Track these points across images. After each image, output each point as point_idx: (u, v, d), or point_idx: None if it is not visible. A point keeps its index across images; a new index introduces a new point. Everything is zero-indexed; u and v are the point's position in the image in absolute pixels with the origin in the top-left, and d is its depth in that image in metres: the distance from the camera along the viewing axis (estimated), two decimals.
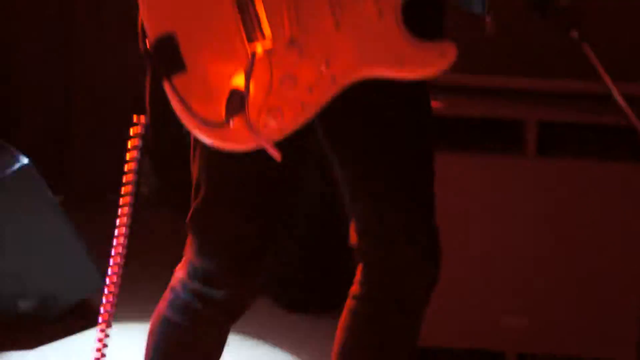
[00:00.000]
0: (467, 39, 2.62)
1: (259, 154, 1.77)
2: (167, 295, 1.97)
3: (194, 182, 1.97)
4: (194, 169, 1.96)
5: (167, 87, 1.73)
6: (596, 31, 2.35)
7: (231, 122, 1.74)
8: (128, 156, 1.91)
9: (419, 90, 1.97)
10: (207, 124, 1.77)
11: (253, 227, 1.97)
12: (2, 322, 2.97)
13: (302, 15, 1.79)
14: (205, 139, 1.79)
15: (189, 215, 1.97)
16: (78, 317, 2.99)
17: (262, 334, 2.90)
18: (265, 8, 1.76)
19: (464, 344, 2.69)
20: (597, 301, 2.66)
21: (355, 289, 1.98)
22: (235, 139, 1.78)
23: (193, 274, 1.96)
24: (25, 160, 3.09)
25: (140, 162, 4.15)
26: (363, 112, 1.94)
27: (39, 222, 3.07)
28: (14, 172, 3.06)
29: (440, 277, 1.95)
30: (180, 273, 1.97)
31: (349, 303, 2.00)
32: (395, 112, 1.97)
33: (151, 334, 1.97)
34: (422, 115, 2.01)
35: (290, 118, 1.81)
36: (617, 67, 2.14)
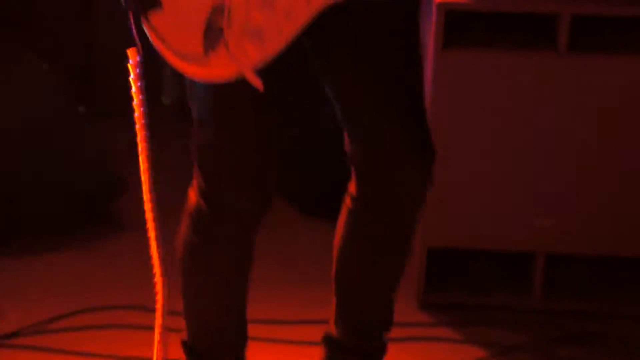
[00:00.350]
0: None
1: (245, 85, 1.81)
2: (184, 218, 2.03)
3: (194, 119, 2.00)
4: (193, 107, 2.01)
5: (144, 24, 1.75)
6: None
7: (211, 53, 1.77)
8: (133, 87, 1.91)
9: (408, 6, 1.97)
10: (186, 58, 1.80)
11: (255, 153, 2.01)
12: None
13: None
14: (187, 73, 1.83)
15: (195, 150, 2.01)
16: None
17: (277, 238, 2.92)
18: None
19: (494, 245, 2.69)
20: (629, 200, 2.65)
21: (351, 187, 2.01)
22: (215, 70, 1.82)
23: (204, 197, 2.00)
24: None
25: (161, 72, 4.01)
26: (353, 26, 1.94)
27: None
28: None
29: (434, 177, 1.98)
30: (192, 195, 2.01)
31: (346, 200, 2.03)
32: (385, 23, 1.96)
33: (180, 260, 2.03)
34: (410, 26, 2.00)
35: (270, 44, 1.83)
36: None
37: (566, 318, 2.62)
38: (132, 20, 1.82)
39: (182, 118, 3.91)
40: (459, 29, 2.60)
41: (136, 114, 1.89)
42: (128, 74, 1.86)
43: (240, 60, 1.84)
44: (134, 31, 1.82)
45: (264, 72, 1.86)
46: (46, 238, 2.91)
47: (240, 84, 1.87)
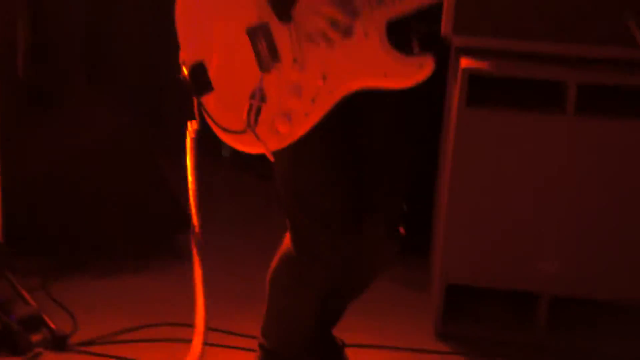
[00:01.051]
0: (515, 6, 2.77)
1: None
2: (277, 257, 2.27)
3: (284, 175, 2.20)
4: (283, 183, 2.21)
5: (199, 104, 2.01)
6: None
7: (250, 130, 1.99)
8: (188, 155, 2.15)
9: (425, 94, 2.14)
10: (229, 132, 2.04)
11: (339, 204, 2.20)
12: None
13: (300, 38, 2.01)
14: (230, 144, 2.07)
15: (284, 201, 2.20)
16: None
17: None
18: (275, 37, 2.00)
19: (505, 285, 2.88)
20: (629, 247, 2.80)
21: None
22: (249, 144, 2.04)
23: (294, 244, 2.22)
24: None
25: None
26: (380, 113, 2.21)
27: None
28: None
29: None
30: (286, 239, 2.24)
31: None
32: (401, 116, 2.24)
33: (270, 288, 2.31)
34: (421, 123, 2.30)
35: (297, 125, 2.03)
36: None
37: (569, 354, 2.82)
38: (193, 99, 2.07)
39: (240, 168, 4.13)
40: (480, 90, 2.80)
41: (189, 170, 2.15)
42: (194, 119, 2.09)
43: (270, 141, 2.06)
44: (195, 107, 2.08)
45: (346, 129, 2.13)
46: (119, 263, 3.22)
47: (317, 145, 2.11)
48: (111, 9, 4.28)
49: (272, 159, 2.05)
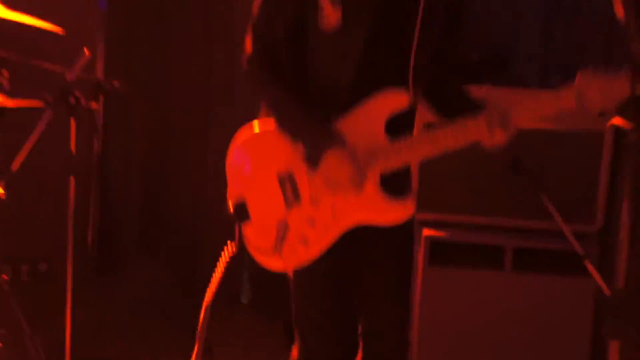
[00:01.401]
0: (463, 190, 3.30)
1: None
2: None
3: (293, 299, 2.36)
4: (293, 302, 2.38)
5: (239, 230, 2.33)
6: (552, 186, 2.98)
7: (278, 251, 2.28)
8: (218, 272, 2.35)
9: (407, 233, 2.39)
10: (262, 252, 2.33)
11: (338, 319, 2.37)
12: None
13: (317, 183, 2.29)
14: (261, 263, 2.34)
15: (293, 320, 2.38)
16: None
17: None
18: (297, 183, 2.28)
19: None
20: None
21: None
22: (275, 261, 2.32)
23: (300, 355, 2.42)
24: None
25: (241, 275, 4.46)
26: (375, 249, 2.36)
27: None
28: None
29: None
30: (294, 352, 2.42)
31: None
32: (397, 250, 2.38)
33: None
34: (407, 254, 2.44)
35: (312, 249, 2.28)
36: (566, 211, 2.86)
37: None
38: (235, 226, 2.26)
39: (258, 314, 4.30)
40: (440, 252, 3.27)
41: (213, 285, 2.35)
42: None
43: (292, 259, 2.24)
44: (236, 233, 2.28)
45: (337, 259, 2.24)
46: None
47: (315, 271, 2.27)
48: (162, 196, 4.73)
49: (291, 275, 2.29)
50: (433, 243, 3.27)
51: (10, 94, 3.18)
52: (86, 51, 3.20)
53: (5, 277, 3.24)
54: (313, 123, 2.24)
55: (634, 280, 1.94)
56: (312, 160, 2.23)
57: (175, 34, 4.64)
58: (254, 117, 2.42)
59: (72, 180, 3.26)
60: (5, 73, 3.13)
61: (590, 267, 2.62)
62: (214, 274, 2.33)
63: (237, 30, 4.36)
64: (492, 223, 3.32)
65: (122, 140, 4.56)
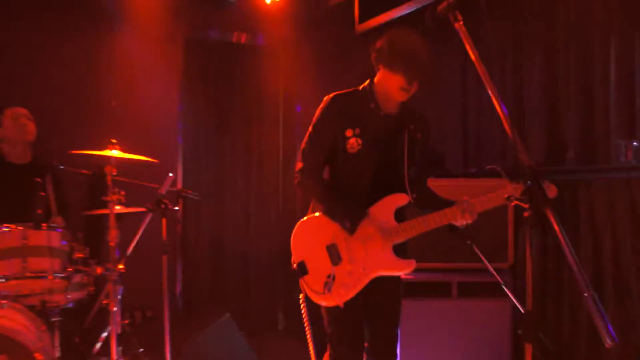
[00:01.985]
0: (426, 243, 3.30)
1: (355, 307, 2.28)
2: None
3: (327, 322, 2.37)
4: (325, 317, 2.39)
5: (301, 281, 2.37)
6: (479, 240, 2.92)
7: (326, 292, 2.30)
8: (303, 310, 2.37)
9: (399, 280, 2.51)
10: (316, 293, 2.35)
11: (359, 337, 2.36)
12: None
13: (352, 249, 2.32)
14: (315, 300, 2.37)
15: (328, 335, 2.38)
16: None
17: None
18: (339, 249, 2.31)
19: None
20: None
21: None
22: (326, 300, 2.34)
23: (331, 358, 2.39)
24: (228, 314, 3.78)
25: (276, 305, 4.38)
26: (383, 290, 2.41)
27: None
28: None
29: None
30: (325, 358, 2.40)
31: None
32: (395, 292, 2.46)
33: None
34: (400, 295, 2.51)
35: (351, 291, 2.31)
36: (487, 254, 2.87)
37: None
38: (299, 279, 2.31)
39: (292, 339, 4.24)
40: (408, 288, 3.26)
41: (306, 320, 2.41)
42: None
43: (337, 298, 2.28)
44: (303, 284, 2.29)
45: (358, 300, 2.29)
46: None
47: (349, 304, 2.30)
48: (223, 263, 4.71)
49: (342, 306, 2.30)
50: (405, 282, 3.30)
51: (125, 204, 3.34)
52: (170, 174, 3.39)
53: (126, 321, 3.40)
54: (350, 207, 2.34)
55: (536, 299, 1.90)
56: (350, 230, 2.31)
57: (228, 163, 4.88)
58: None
59: (164, 257, 3.41)
60: (122, 192, 3.28)
61: (508, 291, 2.59)
62: (303, 315, 2.37)
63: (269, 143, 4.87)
64: (441, 266, 3.42)
65: (195, 228, 4.80)
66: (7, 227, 2.99)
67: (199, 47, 4.61)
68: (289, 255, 2.43)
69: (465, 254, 3.08)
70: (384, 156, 2.36)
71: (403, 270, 2.33)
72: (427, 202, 2.45)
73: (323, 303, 2.35)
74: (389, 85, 2.29)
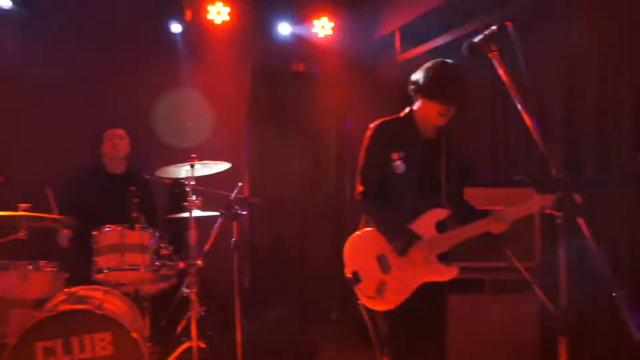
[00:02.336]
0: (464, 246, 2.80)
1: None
2: None
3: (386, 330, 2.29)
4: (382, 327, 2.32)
5: (355, 289, 2.34)
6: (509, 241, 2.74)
7: (378, 297, 2.28)
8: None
9: (447, 286, 2.44)
10: (368, 299, 2.34)
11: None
12: None
13: (400, 259, 2.25)
14: (367, 305, 2.35)
15: (387, 343, 2.30)
16: None
17: None
18: (388, 260, 2.28)
19: None
20: None
21: None
22: (379, 304, 2.32)
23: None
24: None
25: (329, 301, 4.35)
26: (430, 294, 2.37)
27: None
28: None
29: None
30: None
31: None
32: (440, 295, 2.42)
33: None
34: (445, 297, 2.51)
35: (401, 296, 2.30)
36: (517, 255, 2.70)
37: None
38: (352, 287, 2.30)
39: (343, 327, 4.24)
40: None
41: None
42: None
43: (389, 302, 2.25)
44: (354, 290, 2.26)
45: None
46: None
47: (401, 307, 2.23)
48: (283, 260, 4.73)
49: (395, 309, 2.26)
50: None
51: (202, 209, 3.39)
52: (240, 184, 3.41)
53: (204, 308, 3.40)
54: (401, 231, 2.35)
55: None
56: (400, 252, 2.31)
57: (287, 174, 4.89)
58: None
59: (235, 254, 3.43)
60: (199, 198, 3.33)
61: (536, 289, 2.41)
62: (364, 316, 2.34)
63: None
64: (478, 265, 3.31)
65: (271, 229, 4.77)
66: (109, 228, 3.17)
67: (264, 75, 4.76)
68: (341, 257, 2.42)
69: (498, 254, 2.79)
70: (425, 175, 2.40)
71: (446, 276, 2.33)
72: (465, 214, 2.45)
73: (377, 308, 2.33)
74: (428, 112, 2.34)
